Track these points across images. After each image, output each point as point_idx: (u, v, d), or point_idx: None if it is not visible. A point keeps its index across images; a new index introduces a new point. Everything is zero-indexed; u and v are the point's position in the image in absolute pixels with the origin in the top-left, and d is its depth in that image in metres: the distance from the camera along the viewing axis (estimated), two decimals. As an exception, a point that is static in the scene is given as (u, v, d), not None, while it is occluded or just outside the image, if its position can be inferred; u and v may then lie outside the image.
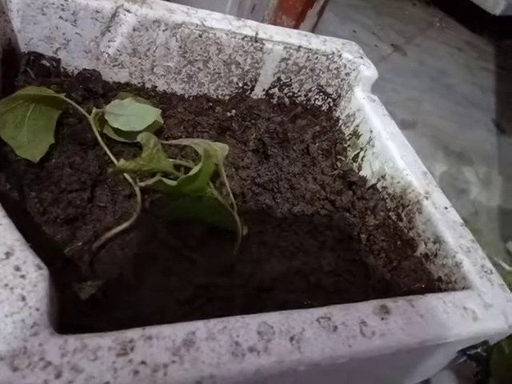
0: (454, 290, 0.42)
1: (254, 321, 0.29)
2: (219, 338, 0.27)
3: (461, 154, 1.14)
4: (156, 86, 0.54)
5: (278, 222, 0.49)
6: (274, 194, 0.52)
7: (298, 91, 0.62)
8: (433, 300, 0.36)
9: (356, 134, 0.59)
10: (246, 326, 0.29)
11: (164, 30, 0.49)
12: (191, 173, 0.33)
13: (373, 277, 0.46)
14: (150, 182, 0.35)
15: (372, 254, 0.49)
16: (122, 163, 0.33)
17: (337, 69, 0.60)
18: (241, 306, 0.37)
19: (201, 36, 0.51)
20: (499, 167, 1.18)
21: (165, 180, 0.33)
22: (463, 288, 0.41)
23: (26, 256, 0.26)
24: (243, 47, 0.54)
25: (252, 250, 0.45)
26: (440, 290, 0.43)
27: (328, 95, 0.63)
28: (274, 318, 0.30)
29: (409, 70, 1.57)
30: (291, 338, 0.29)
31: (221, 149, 0.40)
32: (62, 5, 0.44)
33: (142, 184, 0.36)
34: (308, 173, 0.55)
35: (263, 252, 0.45)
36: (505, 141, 1.35)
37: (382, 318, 0.33)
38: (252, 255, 0.44)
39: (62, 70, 0.49)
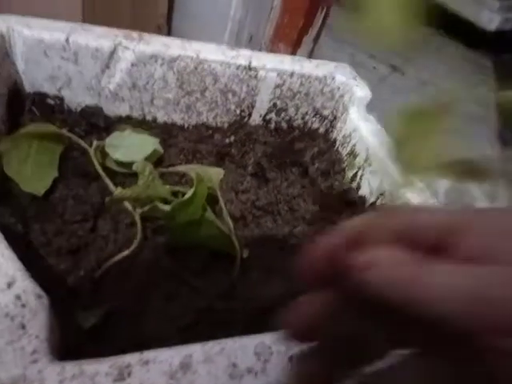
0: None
1: (251, 342, 0.29)
2: (216, 361, 0.28)
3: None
4: (156, 118, 0.56)
5: (279, 244, 0.50)
6: (275, 217, 0.53)
7: (295, 115, 0.64)
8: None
9: (353, 154, 0.60)
10: (243, 348, 0.29)
11: (161, 64, 0.51)
12: (184, 198, 0.34)
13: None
14: (146, 208, 0.36)
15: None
16: (118, 191, 0.34)
17: (331, 91, 0.62)
18: (241, 330, 0.37)
19: (196, 68, 0.53)
20: (505, 181, 1.16)
21: (159, 205, 0.34)
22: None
23: (26, 286, 0.27)
24: (238, 76, 0.56)
25: (253, 273, 0.45)
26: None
27: (324, 117, 0.65)
28: (271, 338, 0.30)
29: (408, 90, 1.60)
30: (290, 358, 0.29)
31: (216, 173, 0.41)
32: (64, 46, 0.46)
33: (140, 211, 0.37)
34: (307, 194, 0.55)
35: (264, 275, 0.46)
36: (510, 154, 1.35)
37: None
38: (253, 278, 0.45)
39: (65, 107, 0.51)
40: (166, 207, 0.34)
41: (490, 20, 2.04)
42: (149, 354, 0.27)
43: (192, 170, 0.37)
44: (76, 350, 0.34)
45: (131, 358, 0.26)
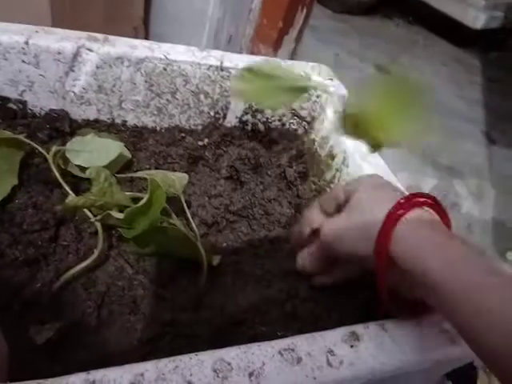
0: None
1: (209, 358, 0.28)
2: (170, 379, 0.26)
3: (450, 168, 1.12)
4: (126, 121, 0.54)
5: (254, 249, 0.48)
6: (250, 221, 0.51)
7: (272, 116, 0.62)
8: (407, 323, 0.35)
9: (331, 156, 0.58)
10: (200, 364, 0.27)
11: (128, 66, 0.49)
12: (138, 205, 0.32)
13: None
14: (100, 216, 0.34)
15: (351, 276, 0.47)
16: (70, 199, 0.32)
17: (307, 92, 0.60)
18: (208, 343, 0.36)
19: (165, 69, 0.51)
20: (491, 179, 1.16)
21: (113, 213, 0.33)
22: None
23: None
24: (210, 77, 0.54)
25: (225, 280, 0.44)
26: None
27: (302, 118, 0.63)
28: (231, 354, 0.28)
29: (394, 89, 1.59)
30: (250, 374, 0.28)
31: (180, 178, 0.39)
32: (23, 48, 0.45)
33: (93, 219, 0.35)
34: (283, 197, 0.54)
35: (237, 282, 0.44)
36: (495, 152, 1.34)
37: (352, 346, 0.31)
38: (225, 286, 0.43)
39: (28, 111, 0.49)
40: (120, 215, 0.32)
41: (475, 18, 2.05)
42: (96, 374, 0.25)
43: (153, 175, 0.35)
44: (29, 368, 0.32)
45: (77, 378, 0.25)
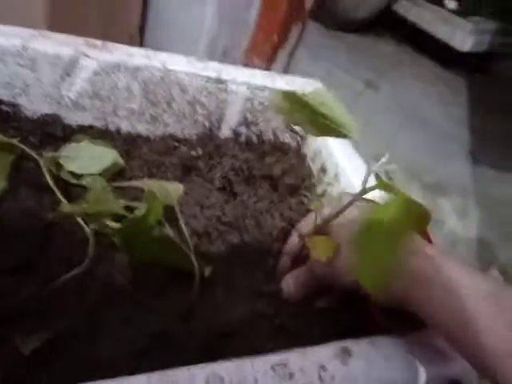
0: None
1: (202, 372, 0.27)
2: (162, 393, 0.25)
3: (436, 186, 1.15)
4: (120, 128, 0.54)
5: (245, 261, 0.48)
6: (241, 233, 0.51)
7: (266, 129, 0.63)
8: (399, 339, 0.35)
9: (323, 170, 0.59)
10: (193, 378, 0.27)
11: (125, 74, 0.49)
12: (135, 215, 0.32)
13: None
14: (95, 226, 0.34)
15: (341, 291, 0.47)
16: (64, 206, 0.32)
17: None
18: (198, 355, 0.35)
19: (163, 78, 0.51)
20: (475, 198, 1.19)
21: (109, 223, 0.32)
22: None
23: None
24: (207, 88, 0.54)
25: (215, 292, 0.43)
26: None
27: (295, 132, 0.64)
28: (224, 368, 0.28)
29: (382, 106, 1.62)
30: (244, 388, 0.27)
31: (175, 189, 0.39)
32: (20, 52, 0.44)
33: (88, 227, 0.35)
34: (275, 209, 0.54)
35: (227, 294, 0.44)
36: (480, 172, 1.37)
37: (343, 362, 0.32)
38: (215, 298, 0.43)
39: (22, 114, 0.49)
40: (116, 224, 0.32)
41: (463, 41, 2.11)
42: (86, 387, 0.25)
43: (149, 185, 0.35)
44: (15, 379, 0.31)
45: (66, 392, 0.24)
